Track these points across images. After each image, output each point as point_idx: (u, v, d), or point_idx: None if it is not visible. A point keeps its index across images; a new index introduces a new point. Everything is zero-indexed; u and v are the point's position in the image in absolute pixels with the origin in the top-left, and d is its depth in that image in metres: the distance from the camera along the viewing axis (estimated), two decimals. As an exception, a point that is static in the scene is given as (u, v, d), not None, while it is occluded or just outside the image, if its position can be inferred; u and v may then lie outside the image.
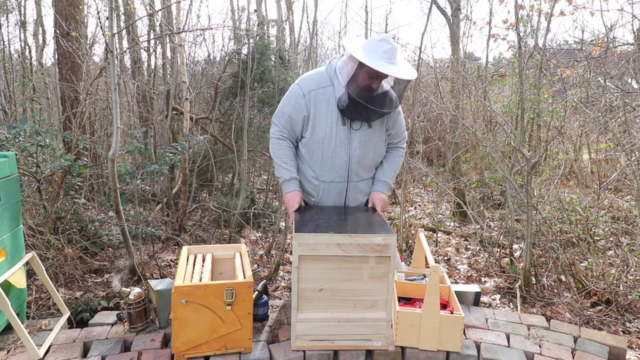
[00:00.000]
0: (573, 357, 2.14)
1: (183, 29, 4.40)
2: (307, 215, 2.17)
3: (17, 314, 1.97)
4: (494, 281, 3.25)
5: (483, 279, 3.32)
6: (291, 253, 2.25)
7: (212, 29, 5.18)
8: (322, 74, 2.17)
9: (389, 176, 2.33)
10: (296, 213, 2.18)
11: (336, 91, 2.10)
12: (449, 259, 3.81)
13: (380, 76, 2.01)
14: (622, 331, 2.56)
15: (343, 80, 2.04)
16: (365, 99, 2.03)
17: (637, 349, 2.41)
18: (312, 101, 2.12)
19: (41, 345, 2.02)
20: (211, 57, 5.88)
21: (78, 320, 2.46)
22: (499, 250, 3.71)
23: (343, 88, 2.04)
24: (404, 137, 2.37)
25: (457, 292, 2.44)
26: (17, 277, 2.11)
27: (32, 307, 2.53)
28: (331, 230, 1.91)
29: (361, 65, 1.96)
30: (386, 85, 2.16)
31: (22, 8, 7.05)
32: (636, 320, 2.67)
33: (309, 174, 2.27)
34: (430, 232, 4.46)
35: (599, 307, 2.76)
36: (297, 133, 2.22)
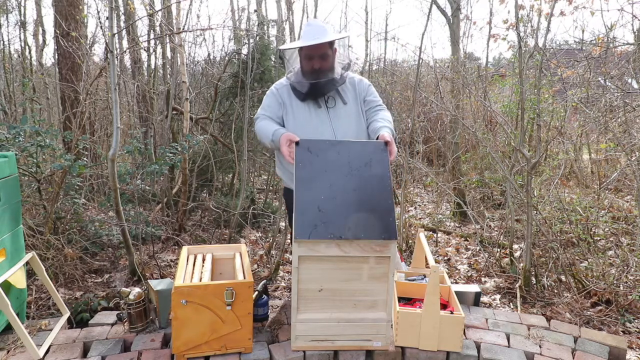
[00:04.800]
0: (573, 357, 2.14)
1: (183, 29, 4.40)
2: (308, 206, 1.94)
3: (17, 314, 1.97)
4: (494, 281, 3.24)
5: (483, 279, 3.32)
6: (291, 253, 2.25)
7: (212, 29, 5.18)
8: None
9: (386, 123, 2.31)
10: (295, 205, 1.97)
11: (291, 82, 2.33)
12: (449, 259, 3.81)
13: (312, 54, 2.19)
14: (622, 331, 2.56)
15: (292, 78, 2.30)
16: (310, 77, 2.23)
17: (637, 349, 2.41)
18: (285, 93, 2.33)
19: (41, 345, 2.02)
20: (211, 57, 5.89)
21: (78, 320, 2.45)
22: (499, 250, 3.71)
23: (293, 77, 2.30)
24: (382, 103, 2.47)
25: (457, 292, 2.44)
26: (17, 277, 2.11)
27: (32, 307, 2.53)
28: (330, 234, 1.88)
29: (295, 52, 2.29)
30: (339, 65, 2.32)
31: (22, 8, 7.06)
32: (636, 321, 2.67)
33: None
34: (430, 232, 4.46)
35: (599, 307, 2.76)
36: (280, 116, 2.34)
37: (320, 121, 2.27)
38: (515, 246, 3.70)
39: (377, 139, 2.16)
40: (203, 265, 2.26)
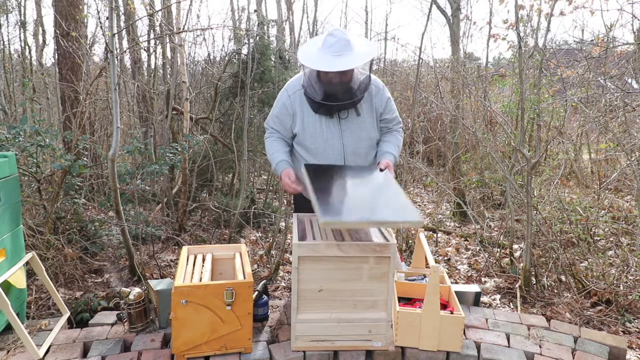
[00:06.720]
0: (573, 357, 2.14)
1: (183, 29, 4.40)
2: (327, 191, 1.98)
3: (17, 314, 1.97)
4: (494, 281, 3.24)
5: (483, 279, 3.32)
6: (291, 253, 2.25)
7: (212, 29, 5.19)
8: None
9: (393, 149, 2.30)
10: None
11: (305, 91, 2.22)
12: (449, 259, 3.81)
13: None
14: (622, 331, 2.56)
15: (305, 82, 2.19)
16: (323, 94, 2.12)
17: (637, 349, 2.41)
18: (298, 100, 2.24)
19: (41, 345, 2.02)
20: (211, 57, 5.88)
21: (78, 320, 2.45)
22: (499, 250, 3.71)
23: (307, 88, 2.17)
24: (400, 121, 2.41)
25: (457, 292, 2.44)
26: (17, 277, 2.11)
27: (32, 307, 2.53)
28: (358, 215, 1.81)
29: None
30: (360, 73, 2.16)
31: (22, 8, 7.06)
32: (636, 320, 2.67)
33: None
34: (430, 232, 4.45)
35: (599, 307, 2.76)
36: (288, 129, 2.31)
37: (330, 133, 2.22)
38: (515, 246, 3.70)
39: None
40: (203, 265, 2.26)
